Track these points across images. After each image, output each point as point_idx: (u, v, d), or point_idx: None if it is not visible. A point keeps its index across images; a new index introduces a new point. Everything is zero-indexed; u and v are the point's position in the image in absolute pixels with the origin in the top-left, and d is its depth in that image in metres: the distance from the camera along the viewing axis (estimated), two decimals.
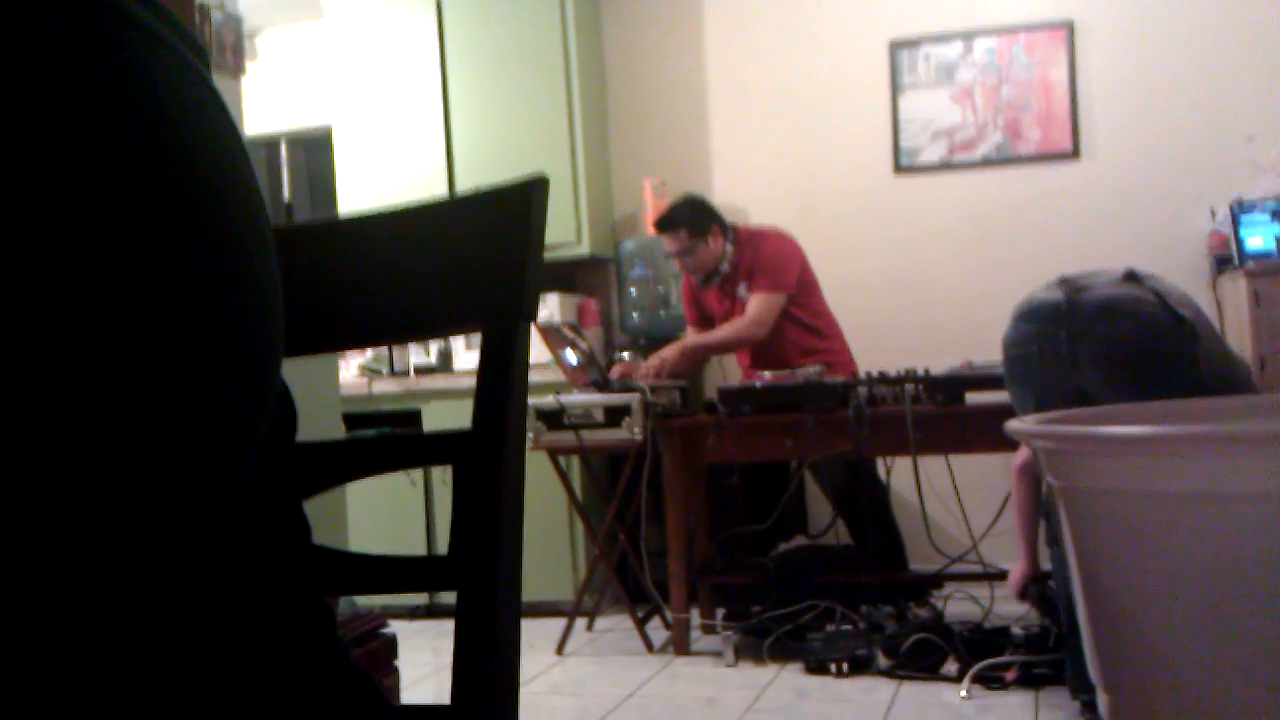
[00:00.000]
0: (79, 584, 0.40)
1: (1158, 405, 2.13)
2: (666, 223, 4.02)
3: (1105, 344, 2.50)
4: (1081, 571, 1.63)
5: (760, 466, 4.13)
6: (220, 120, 0.46)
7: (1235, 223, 4.01)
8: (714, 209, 4.08)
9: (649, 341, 4.57)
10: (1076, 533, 1.63)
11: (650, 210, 4.65)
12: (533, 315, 0.83)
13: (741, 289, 4.04)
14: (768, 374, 3.78)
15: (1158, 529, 1.47)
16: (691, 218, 3.99)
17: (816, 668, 3.30)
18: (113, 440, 0.39)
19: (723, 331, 4.05)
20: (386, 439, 0.90)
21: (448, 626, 3.30)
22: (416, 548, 4.43)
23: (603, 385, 3.82)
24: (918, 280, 4.61)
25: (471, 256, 0.84)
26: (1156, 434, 1.57)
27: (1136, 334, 2.49)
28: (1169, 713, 1.50)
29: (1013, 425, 1.75)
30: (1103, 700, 1.64)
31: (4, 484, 0.37)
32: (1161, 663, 1.51)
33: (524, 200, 0.82)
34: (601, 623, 4.16)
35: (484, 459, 0.78)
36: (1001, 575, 3.67)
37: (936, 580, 3.92)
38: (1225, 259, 4.08)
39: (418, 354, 4.77)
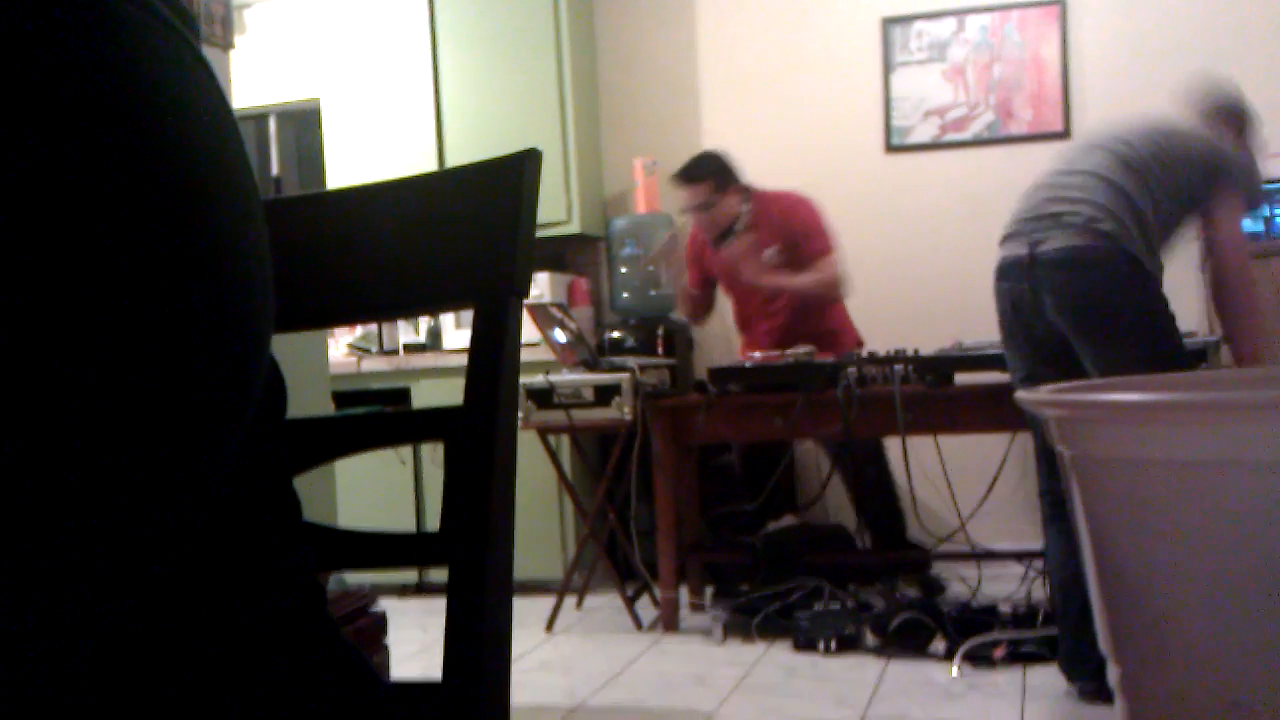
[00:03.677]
0: (70, 568, 0.39)
1: (1172, 375, 2.14)
2: (692, 174, 3.91)
3: (1065, 296, 2.57)
4: (1093, 542, 1.62)
5: (758, 444, 4.13)
6: (210, 92, 0.45)
7: None
8: (736, 166, 4.01)
9: (639, 320, 4.56)
10: (1088, 502, 1.62)
11: (641, 189, 4.64)
12: (525, 290, 0.83)
13: (770, 253, 3.96)
14: (757, 354, 3.78)
15: (1171, 497, 1.47)
16: (716, 171, 3.92)
17: (805, 646, 3.32)
18: (97, 420, 0.39)
19: (806, 279, 3.91)
20: (378, 414, 0.89)
21: (437, 604, 3.31)
22: (406, 527, 4.44)
23: (592, 364, 3.82)
24: (908, 260, 4.61)
25: (463, 230, 0.83)
26: (1170, 400, 1.57)
27: (1094, 286, 2.54)
28: (1181, 683, 1.50)
29: (1023, 395, 1.75)
30: (1113, 672, 1.64)
31: None
32: (1174, 633, 1.50)
33: (516, 173, 0.81)
34: (591, 601, 4.17)
35: (476, 434, 0.77)
36: (989, 555, 3.70)
37: (925, 560, 3.93)
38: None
39: (407, 332, 4.76)
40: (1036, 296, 2.62)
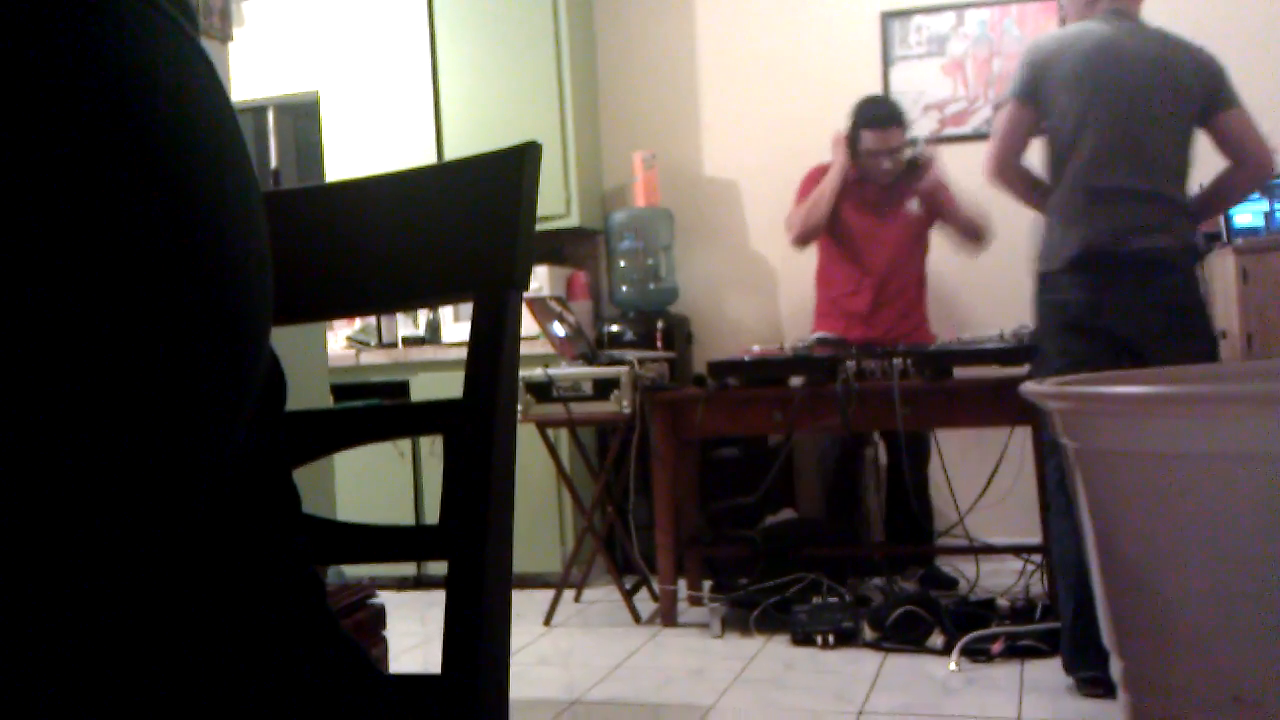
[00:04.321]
0: (68, 562, 0.39)
1: (1176, 369, 2.16)
2: (896, 117, 3.87)
3: (1156, 295, 2.66)
4: (1097, 536, 1.62)
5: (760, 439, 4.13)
6: (209, 84, 0.45)
7: None
8: None
9: (638, 314, 4.56)
10: (1092, 496, 1.62)
11: (640, 182, 4.63)
12: (525, 284, 0.83)
13: (914, 204, 3.95)
14: (756, 347, 3.78)
15: (1175, 491, 1.47)
16: (908, 121, 3.93)
17: (803, 639, 3.32)
18: (94, 415, 0.38)
19: (973, 210, 3.94)
20: (377, 407, 0.89)
21: (436, 597, 3.30)
22: (405, 521, 4.43)
23: (591, 358, 3.82)
24: None
25: (462, 223, 0.83)
26: (1174, 393, 1.57)
27: (1180, 286, 2.68)
28: (1184, 676, 1.50)
29: (1028, 387, 1.75)
30: (1116, 666, 1.64)
31: None
32: (1177, 627, 1.51)
33: (516, 166, 0.81)
34: (589, 594, 4.17)
35: (475, 428, 0.77)
36: (987, 550, 3.70)
37: (923, 554, 3.94)
38: (1214, 236, 4.08)
39: (406, 325, 4.76)
40: (1119, 292, 2.67)
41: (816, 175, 4.01)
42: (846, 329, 3.89)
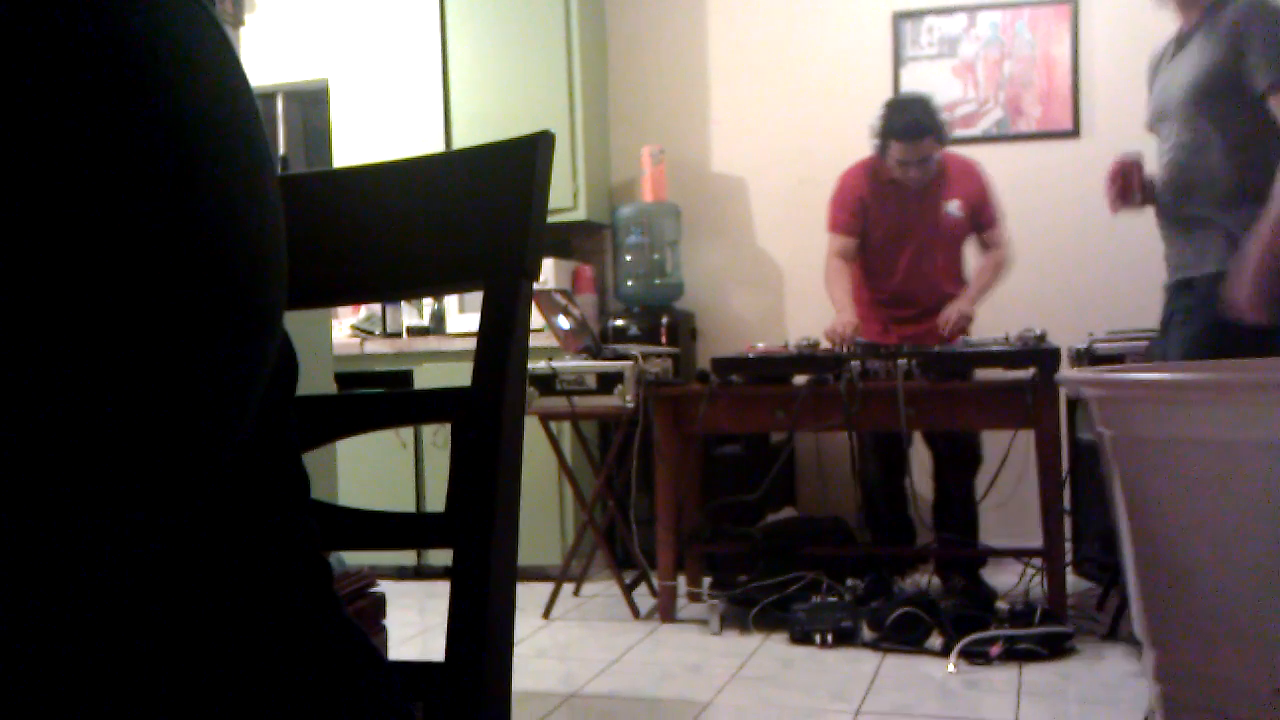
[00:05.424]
0: (77, 550, 0.39)
1: (1218, 362, 2.14)
2: (923, 128, 3.66)
3: None
4: (1132, 523, 1.60)
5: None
6: (224, 54, 0.45)
7: None
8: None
9: (643, 309, 4.56)
10: (1128, 483, 1.60)
11: (648, 177, 4.62)
12: (535, 274, 0.82)
13: (954, 206, 3.82)
14: (760, 344, 3.78)
15: (1215, 478, 1.45)
16: (939, 124, 3.72)
17: (801, 638, 3.32)
18: (99, 402, 0.38)
19: (988, 276, 3.82)
20: (386, 393, 0.89)
21: (436, 587, 3.29)
22: (406, 510, 4.43)
23: (595, 352, 3.81)
24: None
25: (474, 211, 0.83)
26: (1212, 380, 1.55)
27: None
28: (1224, 668, 1.48)
29: (1064, 374, 1.74)
30: (1149, 656, 1.62)
31: None
32: (1217, 618, 1.48)
33: (528, 155, 0.81)
34: (588, 588, 4.17)
35: (483, 416, 0.77)
36: (988, 552, 3.69)
37: (924, 555, 3.94)
38: None
39: (410, 315, 4.76)
40: None
41: (847, 185, 3.89)
42: (883, 334, 3.83)
